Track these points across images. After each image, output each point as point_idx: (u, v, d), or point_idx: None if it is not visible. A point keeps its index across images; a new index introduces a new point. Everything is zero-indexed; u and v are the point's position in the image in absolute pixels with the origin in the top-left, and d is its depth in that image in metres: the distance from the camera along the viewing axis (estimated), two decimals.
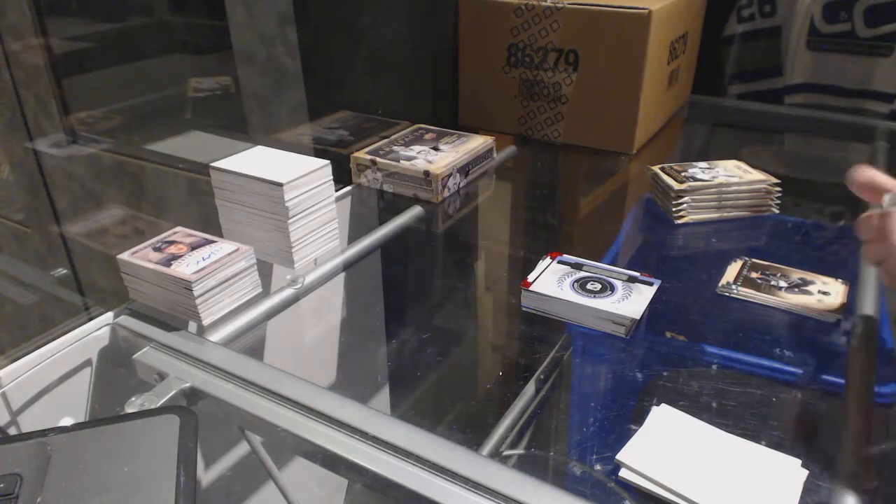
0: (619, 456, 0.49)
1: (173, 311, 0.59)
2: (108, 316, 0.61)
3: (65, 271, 1.10)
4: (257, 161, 0.69)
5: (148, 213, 1.06)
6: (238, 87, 0.92)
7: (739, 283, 0.69)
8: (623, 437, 0.51)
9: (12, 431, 0.55)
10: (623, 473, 0.48)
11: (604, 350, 0.65)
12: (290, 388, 0.52)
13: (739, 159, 0.89)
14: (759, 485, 0.46)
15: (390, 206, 0.86)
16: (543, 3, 0.98)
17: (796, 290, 0.67)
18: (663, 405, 0.53)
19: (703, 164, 0.86)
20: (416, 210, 0.85)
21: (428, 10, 1.04)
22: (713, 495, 0.45)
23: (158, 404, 0.51)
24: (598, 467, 0.51)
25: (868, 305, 0.63)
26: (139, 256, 0.59)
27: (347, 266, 0.75)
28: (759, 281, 0.69)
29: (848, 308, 0.64)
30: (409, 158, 0.87)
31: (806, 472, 0.47)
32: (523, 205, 1.00)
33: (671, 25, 1.02)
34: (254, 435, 0.54)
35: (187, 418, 0.45)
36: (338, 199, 0.73)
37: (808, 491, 0.45)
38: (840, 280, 0.68)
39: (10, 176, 1.13)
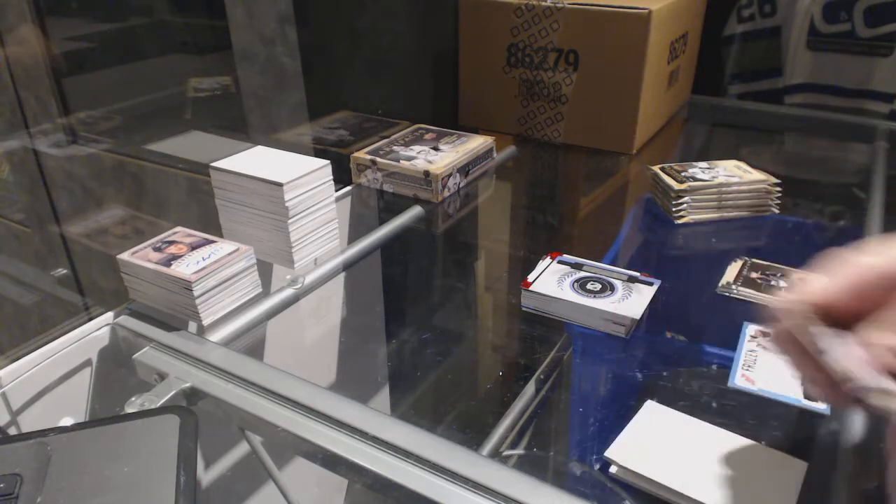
0: (608, 453, 0.49)
1: (173, 311, 0.59)
2: (108, 316, 0.61)
3: (65, 271, 1.10)
4: (257, 161, 0.69)
5: (148, 213, 1.06)
6: (238, 87, 0.92)
7: (739, 283, 0.69)
8: None
9: (12, 431, 0.55)
10: (612, 470, 0.48)
11: (604, 350, 0.65)
12: (290, 388, 0.52)
13: (739, 159, 0.89)
14: (753, 479, 0.46)
15: (390, 206, 0.86)
16: (543, 3, 0.98)
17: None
18: (649, 401, 0.53)
19: (703, 164, 0.86)
20: (416, 210, 0.85)
21: (428, 10, 1.04)
22: (703, 489, 0.45)
23: (158, 404, 0.51)
24: (597, 467, 0.51)
25: None
26: (139, 256, 0.59)
27: (347, 266, 0.75)
28: (760, 281, 0.69)
29: None
30: (409, 158, 0.87)
31: (804, 469, 0.47)
32: (523, 205, 1.00)
33: (671, 25, 1.02)
34: (254, 435, 0.54)
35: (187, 418, 0.45)
36: (338, 199, 0.73)
37: (808, 490, 0.45)
38: None
39: (10, 176, 1.13)
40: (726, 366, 0.57)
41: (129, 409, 0.50)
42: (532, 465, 0.61)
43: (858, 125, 1.14)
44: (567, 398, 0.68)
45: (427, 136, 0.95)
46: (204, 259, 0.58)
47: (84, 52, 1.06)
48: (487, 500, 0.42)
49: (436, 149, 0.91)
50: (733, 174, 0.84)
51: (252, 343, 0.64)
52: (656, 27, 0.94)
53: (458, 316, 0.86)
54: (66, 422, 0.60)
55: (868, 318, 0.36)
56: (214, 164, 0.68)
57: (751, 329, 0.61)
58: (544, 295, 0.64)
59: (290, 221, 0.66)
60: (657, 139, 1.09)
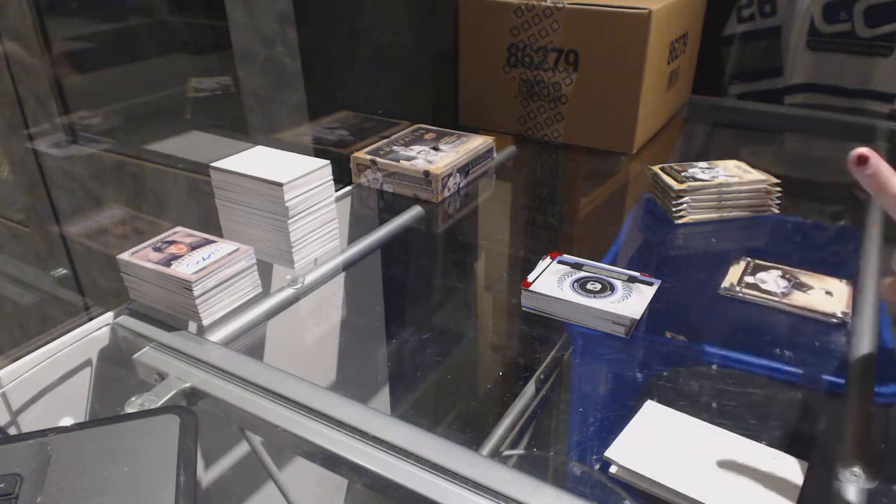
0: (608, 453, 0.49)
1: (173, 311, 0.59)
2: (108, 316, 0.61)
3: (65, 271, 1.10)
4: (257, 161, 0.69)
5: (148, 213, 1.06)
6: (238, 87, 0.92)
7: (743, 285, 0.69)
8: None
9: (12, 431, 0.55)
10: (612, 470, 0.48)
11: (604, 350, 0.65)
12: (290, 388, 0.52)
13: (739, 159, 0.89)
14: (753, 479, 0.46)
15: (390, 206, 0.86)
16: (543, 3, 0.98)
17: (797, 290, 0.67)
18: (649, 401, 0.53)
19: (703, 164, 0.86)
20: (416, 210, 0.85)
21: (428, 10, 1.04)
22: (703, 489, 0.45)
23: (158, 404, 0.51)
24: (597, 467, 0.51)
25: (868, 305, 0.63)
26: (139, 256, 0.59)
27: (347, 266, 0.75)
28: (761, 281, 0.69)
29: (848, 308, 0.64)
30: (409, 158, 0.87)
31: (804, 469, 0.47)
32: (523, 205, 1.00)
33: (671, 25, 1.02)
34: (254, 435, 0.54)
35: (187, 418, 0.45)
36: (338, 199, 0.73)
37: (808, 489, 0.45)
38: (841, 280, 0.68)
39: (11, 176, 1.13)
40: (727, 366, 0.57)
41: (129, 409, 0.50)
42: (532, 465, 0.61)
43: (858, 125, 1.14)
44: (567, 398, 0.68)
45: (427, 136, 0.95)
46: (204, 259, 0.58)
47: (84, 52, 1.06)
48: (487, 500, 0.42)
49: (436, 149, 0.91)
50: (733, 174, 0.84)
51: (252, 343, 0.64)
52: (656, 27, 0.94)
53: (458, 316, 0.86)
54: (66, 422, 0.60)
55: None
56: (214, 164, 0.68)
57: None
58: (544, 295, 0.64)
59: (290, 221, 0.66)
60: (657, 139, 1.09)
